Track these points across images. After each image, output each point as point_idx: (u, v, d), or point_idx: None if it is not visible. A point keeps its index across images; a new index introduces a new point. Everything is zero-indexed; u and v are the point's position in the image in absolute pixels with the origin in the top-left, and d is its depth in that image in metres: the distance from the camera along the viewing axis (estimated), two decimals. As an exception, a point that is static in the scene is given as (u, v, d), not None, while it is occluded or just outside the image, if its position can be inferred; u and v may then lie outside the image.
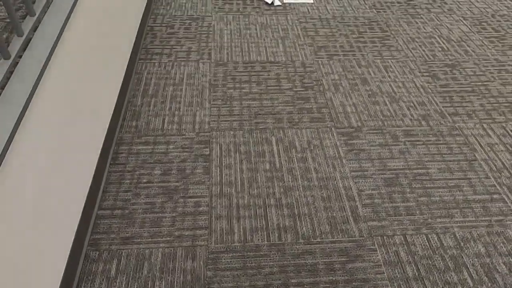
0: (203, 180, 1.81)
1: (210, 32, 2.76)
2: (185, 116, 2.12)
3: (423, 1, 3.26)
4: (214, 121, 2.10)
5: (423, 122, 2.16)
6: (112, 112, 1.93)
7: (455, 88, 2.40)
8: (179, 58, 2.52)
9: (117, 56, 2.16)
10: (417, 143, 2.04)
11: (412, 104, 2.27)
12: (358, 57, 2.60)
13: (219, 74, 2.41)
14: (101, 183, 1.73)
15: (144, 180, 1.80)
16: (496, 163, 1.97)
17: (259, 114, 2.15)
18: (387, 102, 2.27)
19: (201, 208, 1.70)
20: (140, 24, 2.60)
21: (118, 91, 2.07)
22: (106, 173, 1.80)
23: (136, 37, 2.47)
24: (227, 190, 1.78)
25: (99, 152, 1.72)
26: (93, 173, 1.64)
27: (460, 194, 1.82)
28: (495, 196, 1.83)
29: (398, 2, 3.23)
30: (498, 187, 1.86)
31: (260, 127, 2.08)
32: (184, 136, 2.01)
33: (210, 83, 2.34)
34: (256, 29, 2.82)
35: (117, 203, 1.70)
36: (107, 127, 1.85)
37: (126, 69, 2.22)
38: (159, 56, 2.52)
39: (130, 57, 2.33)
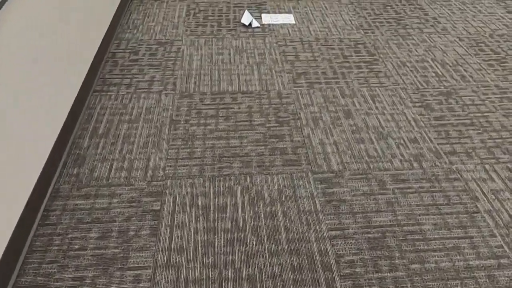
0: (148, 245, 1.46)
1: (178, 58, 2.43)
2: (137, 160, 1.78)
3: (414, 21, 2.93)
4: (170, 166, 1.76)
5: (415, 164, 1.81)
6: (46, 158, 1.59)
7: (451, 120, 2.06)
8: (139, 89, 2.18)
9: (64, 90, 1.83)
10: (408, 191, 1.69)
11: (402, 141, 1.92)
12: (342, 85, 2.27)
13: (182, 107, 2.07)
14: (20, 252, 1.39)
15: (76, 247, 1.45)
16: (502, 216, 1.62)
17: (224, 156, 1.81)
18: (374, 140, 1.93)
19: (140, 285, 1.35)
20: (99, 51, 2.27)
21: (59, 131, 1.74)
22: (30, 238, 1.45)
23: (92, 66, 2.14)
24: (175, 259, 1.43)
25: (21, 210, 1.38)
26: (7, 243, 1.30)
27: (460, 259, 1.47)
28: (503, 261, 1.47)
29: (388, 22, 2.91)
30: (506, 247, 1.51)
31: (224, 172, 1.74)
32: (132, 187, 1.66)
33: (171, 119, 2.00)
34: (229, 54, 2.49)
35: (38, 279, 1.35)
36: (38, 176, 1.51)
37: (74, 105, 1.89)
38: (117, 87, 2.18)
39: (82, 89, 2.00)
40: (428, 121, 2.05)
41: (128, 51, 2.48)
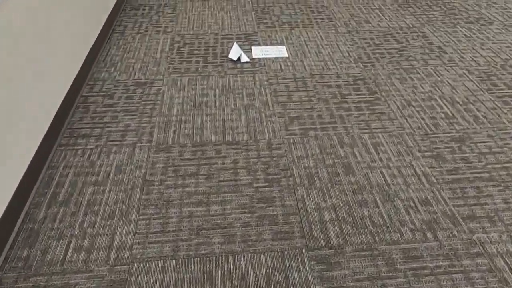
0: None
1: (158, 102, 2.15)
2: (100, 237, 1.48)
3: (417, 51, 2.66)
4: (138, 244, 1.46)
5: (428, 235, 1.51)
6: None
7: (467, 174, 1.77)
8: (111, 141, 1.90)
9: (21, 144, 1.55)
10: (423, 272, 1.39)
11: (412, 204, 1.63)
12: (340, 131, 1.98)
13: (158, 164, 1.79)
14: None
15: None
16: (538, 305, 1.32)
17: (203, 228, 1.52)
18: (379, 202, 1.63)
19: None
20: (69, 95, 1.99)
21: (9, 200, 1.45)
22: None
23: (59, 115, 1.86)
24: None
25: None
26: None
27: None
28: None
29: (389, 53, 2.63)
30: None
31: (202, 251, 1.44)
32: (91, 274, 1.37)
33: (144, 180, 1.71)
34: (214, 96, 2.21)
35: None
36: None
37: (32, 163, 1.61)
38: (86, 140, 1.90)
39: (45, 143, 1.72)
40: (440, 176, 1.75)
41: (102, 94, 2.20)
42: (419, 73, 2.43)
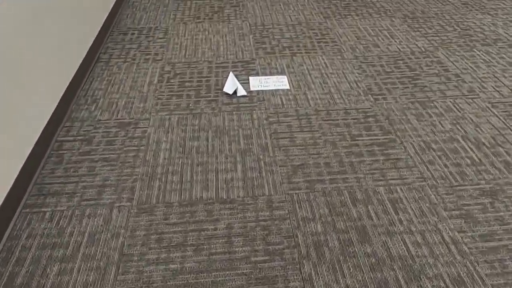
0: None
1: (142, 148, 1.87)
2: (62, 337, 1.20)
3: (433, 79, 2.38)
4: None
5: (466, 329, 1.23)
6: None
7: (504, 241, 1.48)
8: (85, 200, 1.62)
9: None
10: None
11: (442, 284, 1.34)
12: (352, 183, 1.70)
13: (139, 231, 1.50)
14: None
15: None
16: None
17: (190, 323, 1.23)
18: (402, 282, 1.34)
19: None
20: (40, 141, 1.71)
21: None
22: None
23: (27, 168, 1.58)
24: None
25: None
26: None
27: None
28: None
29: (401, 82, 2.35)
30: None
31: None
32: None
33: (121, 253, 1.43)
34: (207, 139, 1.93)
35: None
36: None
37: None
38: (56, 199, 1.62)
39: (6, 207, 1.43)
40: (473, 243, 1.46)
41: (80, 138, 1.92)
42: (437, 107, 2.14)
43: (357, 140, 1.92)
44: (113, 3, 3.05)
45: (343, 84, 2.33)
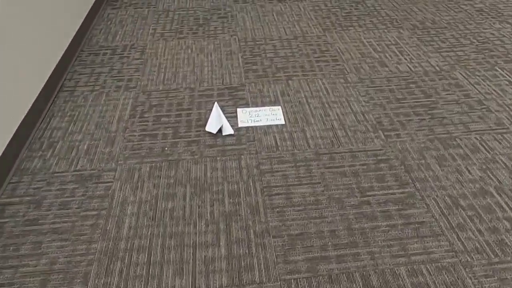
0: None
1: (103, 213, 1.50)
2: None
3: (453, 108, 2.00)
4: None
5: None
6: None
7: None
8: (24, 294, 1.25)
9: None
10: None
11: None
12: (365, 262, 1.33)
13: None
14: None
15: None
16: None
17: None
18: None
19: None
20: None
21: None
22: None
23: None
24: None
25: None
26: None
27: None
28: None
29: (416, 113, 1.97)
30: None
31: None
32: None
33: None
34: (184, 198, 1.55)
35: None
36: None
37: None
38: (-14, 295, 1.25)
39: None
40: None
41: (27, 199, 1.54)
42: (461, 146, 1.77)
43: (368, 195, 1.55)
44: (85, 16, 2.65)
45: (348, 116, 1.95)
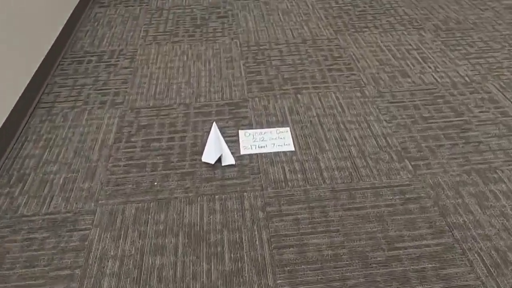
0: None
1: (76, 273, 1.21)
2: None
3: (489, 131, 1.71)
4: None
5: None
6: None
7: None
8: None
9: None
10: None
11: None
12: None
13: None
14: None
15: None
16: None
17: None
18: None
19: None
20: None
21: None
22: None
23: None
24: None
25: None
26: None
27: None
28: None
29: (447, 136, 1.68)
30: None
31: None
32: None
33: None
34: (176, 251, 1.27)
35: None
36: None
37: None
38: None
39: None
40: None
41: (-13, 252, 1.27)
42: (503, 181, 1.49)
43: (397, 247, 1.27)
44: (68, 15, 2.34)
45: (368, 140, 1.66)
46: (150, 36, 2.39)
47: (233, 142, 1.66)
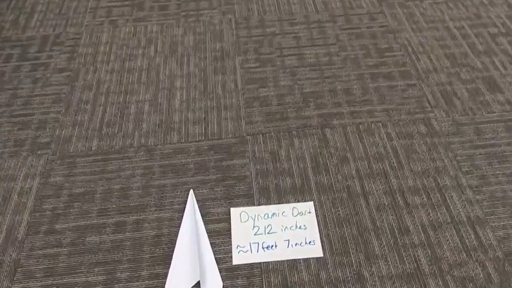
0: None
1: None
2: None
3: None
4: None
5: None
6: None
7: None
8: None
9: None
10: None
11: None
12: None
13: None
14: None
15: None
16: None
17: None
18: None
19: None
20: None
21: None
22: None
23: None
24: None
25: None
26: None
27: None
28: None
29: None
30: None
31: None
32: None
33: None
34: None
35: None
36: None
37: None
38: None
39: None
40: None
41: None
42: None
43: None
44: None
45: (444, 232, 0.97)
46: (102, 10, 1.57)
47: (220, 236, 0.98)
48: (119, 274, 0.92)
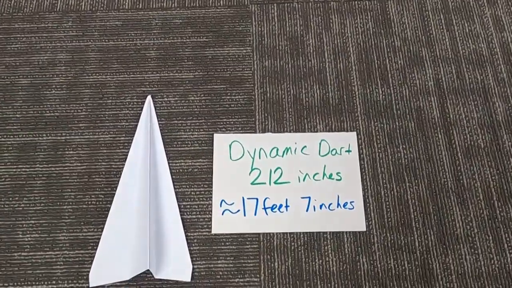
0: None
1: None
2: None
3: None
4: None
5: None
6: None
7: None
8: None
9: None
10: None
11: None
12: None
13: None
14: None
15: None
16: None
17: None
18: None
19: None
20: None
21: None
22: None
23: None
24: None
25: None
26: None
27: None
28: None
29: None
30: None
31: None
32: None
33: None
34: None
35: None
36: None
37: None
38: None
39: None
40: None
41: None
42: None
43: None
44: None
45: None
46: None
47: (193, 183, 0.56)
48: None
